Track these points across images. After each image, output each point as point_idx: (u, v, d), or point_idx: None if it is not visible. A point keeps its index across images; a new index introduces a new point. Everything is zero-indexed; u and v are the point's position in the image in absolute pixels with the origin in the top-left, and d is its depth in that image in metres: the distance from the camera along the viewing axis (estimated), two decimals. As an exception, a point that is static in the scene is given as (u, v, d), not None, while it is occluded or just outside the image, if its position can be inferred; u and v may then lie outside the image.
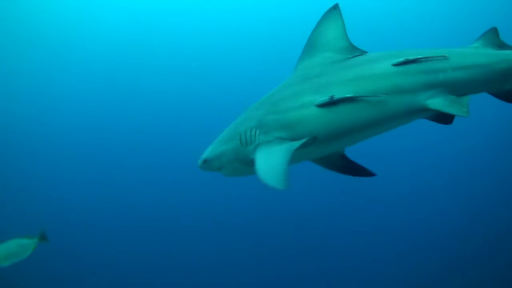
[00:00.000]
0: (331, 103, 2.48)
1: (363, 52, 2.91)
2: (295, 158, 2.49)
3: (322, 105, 2.50)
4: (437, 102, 2.55)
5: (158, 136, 15.04)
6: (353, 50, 2.90)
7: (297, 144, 2.44)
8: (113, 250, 12.05)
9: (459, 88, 2.67)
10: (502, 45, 2.91)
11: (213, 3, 16.43)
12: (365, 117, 2.52)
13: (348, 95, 2.48)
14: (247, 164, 2.68)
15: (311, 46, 3.01)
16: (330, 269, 11.05)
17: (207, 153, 3.09)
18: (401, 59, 2.63)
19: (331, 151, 2.87)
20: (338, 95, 2.48)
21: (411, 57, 2.62)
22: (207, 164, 3.10)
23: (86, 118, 15.36)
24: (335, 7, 3.01)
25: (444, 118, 2.70)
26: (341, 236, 11.68)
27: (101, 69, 16.02)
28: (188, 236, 12.01)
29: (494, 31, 2.96)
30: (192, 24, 16.58)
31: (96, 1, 15.96)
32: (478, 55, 2.83)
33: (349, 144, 2.83)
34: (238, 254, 11.63)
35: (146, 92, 15.99)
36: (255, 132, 2.69)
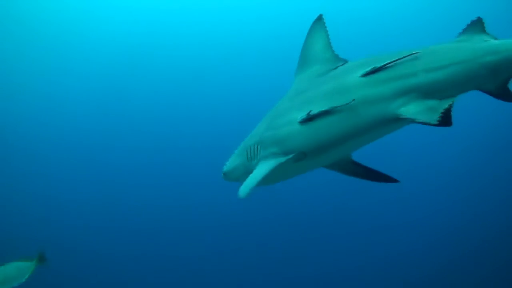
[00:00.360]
0: (309, 119, 2.54)
1: (344, 62, 2.89)
2: (299, 170, 2.76)
3: (303, 122, 2.58)
4: (410, 110, 2.37)
5: (158, 136, 15.05)
6: (336, 61, 2.90)
7: (282, 160, 2.59)
8: (114, 251, 12.05)
9: (436, 90, 2.42)
10: (488, 38, 2.62)
11: (213, 4, 16.43)
12: (341, 130, 2.53)
13: (321, 110, 2.51)
14: None
15: (303, 59, 3.08)
16: (330, 269, 11.05)
17: (225, 166, 3.25)
18: (369, 68, 2.53)
19: (328, 161, 2.89)
20: (314, 110, 2.53)
21: (378, 65, 2.50)
22: (226, 176, 3.27)
23: (85, 118, 15.36)
24: (319, 18, 3.04)
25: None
26: (341, 237, 11.69)
27: (101, 70, 16.02)
28: (189, 236, 12.02)
29: (479, 22, 2.67)
30: (192, 25, 16.58)
31: (97, 2, 15.96)
32: (459, 50, 2.54)
33: (339, 155, 2.82)
34: (238, 254, 11.63)
35: (146, 92, 16.00)
36: (257, 147, 2.86)
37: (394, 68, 2.47)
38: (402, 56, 2.47)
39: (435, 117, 2.29)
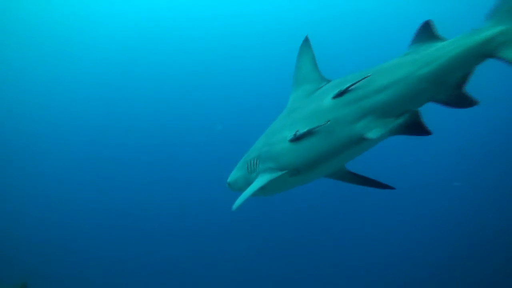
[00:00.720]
0: (297, 138, 2.71)
1: (327, 82, 3.00)
2: (296, 183, 2.92)
3: (292, 140, 2.74)
4: (371, 130, 2.48)
5: (158, 137, 15.05)
6: (321, 81, 3.03)
7: (277, 175, 2.78)
8: (112, 251, 12.05)
9: (390, 109, 2.47)
10: (434, 43, 2.50)
11: (213, 5, 16.43)
12: (322, 149, 2.65)
13: (305, 131, 2.67)
14: None
15: (295, 79, 3.23)
16: (331, 269, 11.05)
17: (229, 177, 3.40)
18: (336, 91, 2.64)
19: (322, 175, 3.01)
20: (300, 130, 2.70)
21: (343, 87, 2.60)
22: (230, 186, 3.41)
23: (84, 119, 15.36)
24: (306, 39, 3.17)
25: (416, 131, 2.51)
26: (342, 236, 11.70)
27: (99, 70, 16.02)
28: (191, 236, 12.02)
29: (427, 26, 2.55)
30: (192, 25, 16.57)
31: (97, 2, 15.95)
32: (400, 66, 2.51)
33: (330, 169, 2.92)
34: (238, 254, 11.63)
35: (145, 93, 15.99)
36: (256, 162, 3.05)
37: (355, 90, 2.57)
38: (357, 80, 2.56)
39: (382, 133, 2.47)
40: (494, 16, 2.30)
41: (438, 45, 2.46)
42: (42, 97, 15.65)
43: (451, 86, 2.39)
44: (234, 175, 3.33)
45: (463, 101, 2.41)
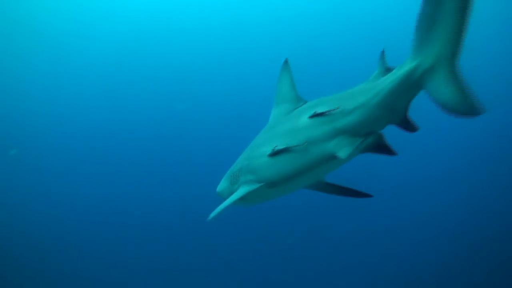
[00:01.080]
0: (274, 153, 2.91)
1: (304, 102, 3.25)
2: (275, 194, 3.15)
3: (270, 155, 2.94)
4: (342, 149, 2.72)
5: (157, 137, 15.06)
6: (298, 101, 3.29)
7: (254, 187, 3.01)
8: (112, 250, 12.07)
9: (358, 130, 2.72)
10: (389, 69, 2.76)
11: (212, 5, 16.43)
12: (298, 165, 2.87)
13: (282, 147, 2.89)
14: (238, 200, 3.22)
15: (276, 97, 3.50)
16: (331, 268, 11.06)
17: (218, 187, 3.60)
18: (312, 112, 2.88)
19: (300, 187, 3.20)
20: (278, 146, 2.92)
21: (318, 110, 2.85)
22: (219, 195, 3.58)
23: (83, 118, 15.36)
24: (286, 62, 3.48)
25: (381, 151, 2.78)
26: (341, 237, 11.71)
27: (99, 69, 16.03)
28: (190, 236, 12.02)
29: (382, 55, 2.84)
30: (192, 25, 16.59)
31: (97, 2, 15.95)
32: (362, 92, 2.78)
33: (307, 182, 3.14)
34: (236, 255, 11.65)
35: (144, 92, 16.01)
36: (238, 174, 3.25)
37: (327, 114, 2.83)
38: (332, 109, 2.81)
39: (358, 153, 2.76)
40: (412, 50, 2.47)
41: (386, 76, 2.70)
42: (42, 94, 15.66)
43: (400, 112, 2.63)
44: (221, 185, 3.55)
45: (409, 126, 2.67)
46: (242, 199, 3.07)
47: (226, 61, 16.16)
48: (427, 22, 2.29)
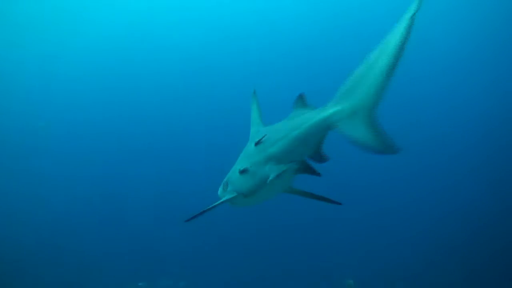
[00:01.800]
0: (241, 172, 3.42)
1: (263, 127, 3.80)
2: (253, 202, 3.56)
3: (239, 172, 3.44)
4: (272, 173, 3.17)
5: (155, 136, 15.09)
6: (260, 127, 3.85)
7: (231, 196, 3.51)
8: (110, 250, 12.08)
9: (282, 158, 3.19)
10: (308, 108, 3.23)
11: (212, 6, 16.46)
12: (254, 182, 3.35)
13: (243, 168, 3.41)
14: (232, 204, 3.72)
15: (251, 119, 4.06)
16: (329, 266, 11.07)
17: (219, 190, 3.96)
18: (257, 139, 3.41)
19: (269, 197, 3.59)
20: (243, 166, 3.43)
21: (257, 139, 3.41)
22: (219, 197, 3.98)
23: (83, 121, 15.39)
24: (254, 92, 4.13)
25: (308, 173, 3.17)
26: (342, 237, 11.73)
27: (98, 69, 16.05)
28: (189, 236, 12.04)
29: (301, 98, 3.30)
30: (190, 25, 16.61)
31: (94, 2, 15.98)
32: (283, 127, 3.28)
33: (270, 195, 3.54)
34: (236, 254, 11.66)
35: (143, 93, 16.03)
36: (227, 183, 3.71)
37: (264, 142, 3.38)
38: (260, 138, 3.39)
39: (290, 174, 3.20)
40: (336, 97, 2.87)
41: (305, 114, 3.16)
42: (38, 95, 15.69)
43: (314, 146, 3.09)
44: (219, 189, 3.96)
45: (320, 158, 3.11)
46: (232, 202, 3.58)
47: (229, 63, 16.17)
48: (357, 78, 2.72)
